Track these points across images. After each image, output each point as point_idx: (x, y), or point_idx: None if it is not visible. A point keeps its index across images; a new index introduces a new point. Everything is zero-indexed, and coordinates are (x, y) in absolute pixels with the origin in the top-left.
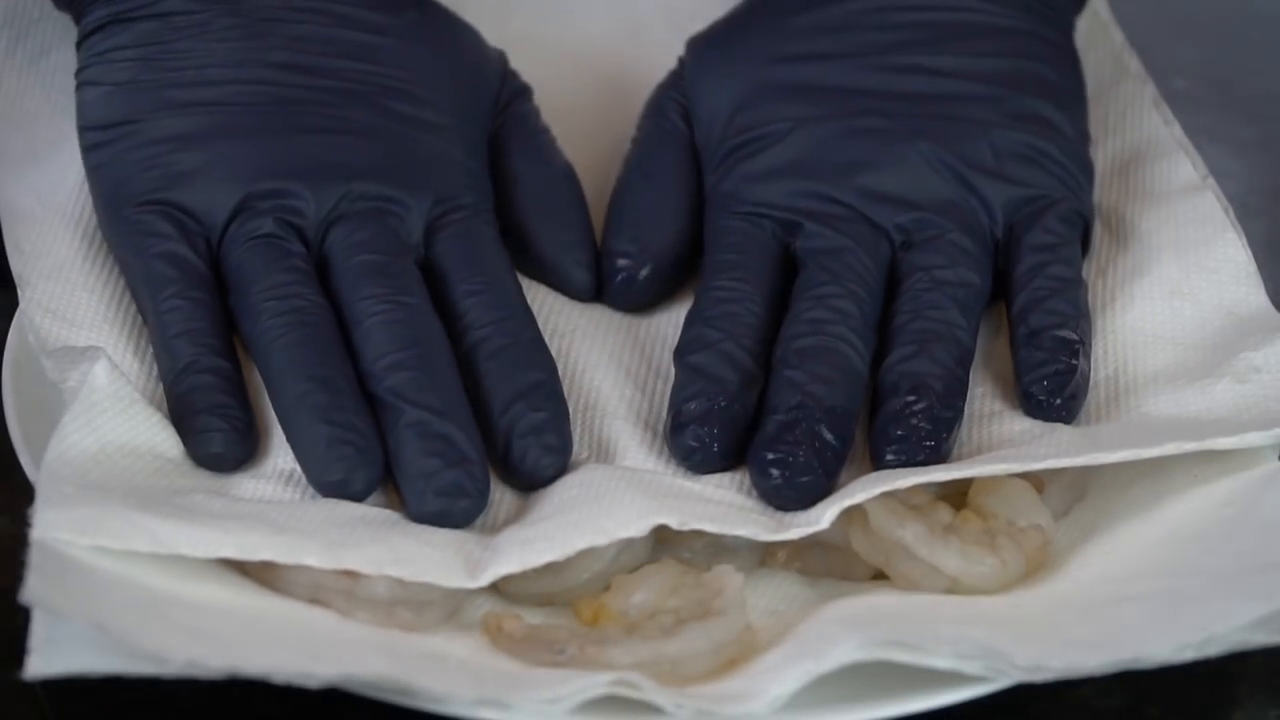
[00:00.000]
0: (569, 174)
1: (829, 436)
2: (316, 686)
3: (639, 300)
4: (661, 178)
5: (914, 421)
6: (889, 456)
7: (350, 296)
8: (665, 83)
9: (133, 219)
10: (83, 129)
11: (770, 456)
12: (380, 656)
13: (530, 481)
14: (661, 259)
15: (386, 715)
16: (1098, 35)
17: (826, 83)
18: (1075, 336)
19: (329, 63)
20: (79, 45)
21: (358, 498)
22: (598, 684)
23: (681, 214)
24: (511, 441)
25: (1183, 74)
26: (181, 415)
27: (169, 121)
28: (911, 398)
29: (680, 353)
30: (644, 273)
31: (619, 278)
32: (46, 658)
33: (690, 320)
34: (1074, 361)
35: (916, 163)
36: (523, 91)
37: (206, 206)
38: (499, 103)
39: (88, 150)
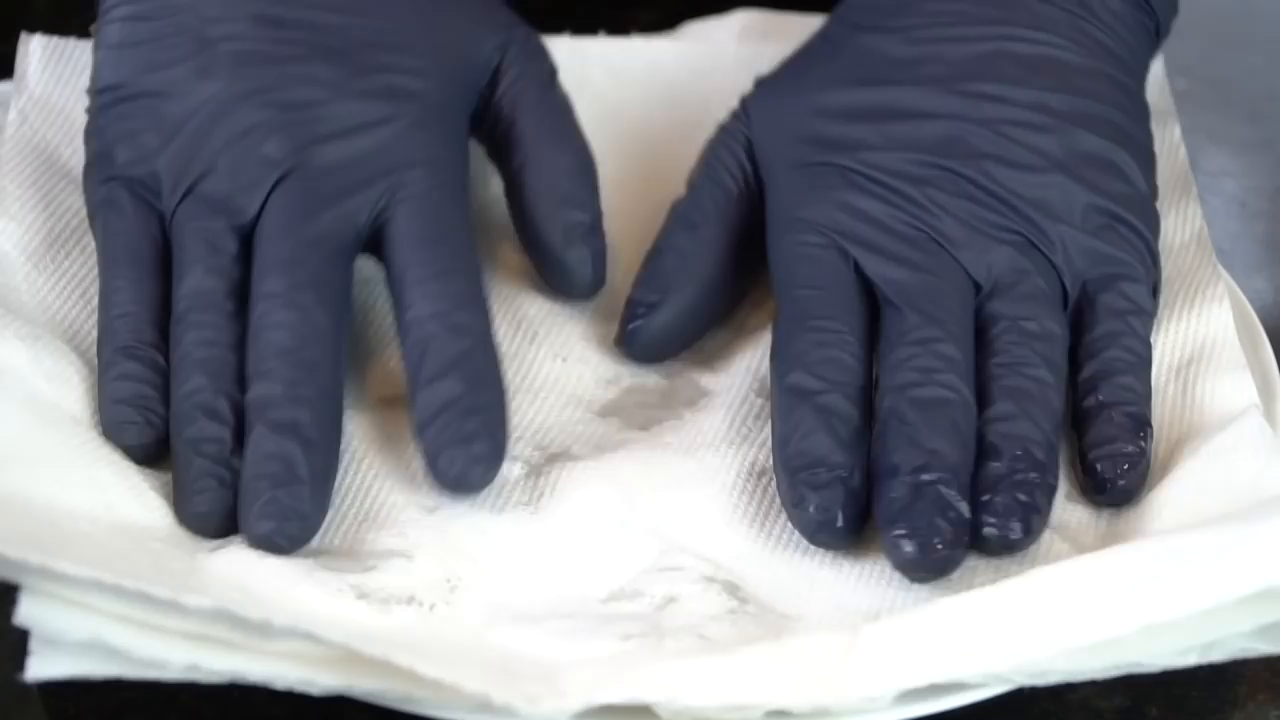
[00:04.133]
0: (582, 157)
1: (957, 503)
2: (318, 693)
3: (651, 353)
4: (706, 228)
5: (1019, 495)
6: (988, 529)
7: (255, 290)
8: (725, 123)
9: (104, 193)
10: (87, 92)
11: (901, 531)
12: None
13: (456, 489)
14: (681, 313)
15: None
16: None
17: (900, 106)
18: (1148, 419)
19: (301, 14)
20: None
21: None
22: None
23: (717, 266)
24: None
25: (1183, 74)
26: (104, 404)
27: (150, 85)
28: (1021, 465)
29: (787, 401)
30: (658, 323)
31: (631, 325)
32: (47, 660)
33: (787, 361)
34: (1144, 444)
35: (991, 202)
36: (536, 54)
37: (158, 185)
38: (501, 65)
39: (89, 113)
